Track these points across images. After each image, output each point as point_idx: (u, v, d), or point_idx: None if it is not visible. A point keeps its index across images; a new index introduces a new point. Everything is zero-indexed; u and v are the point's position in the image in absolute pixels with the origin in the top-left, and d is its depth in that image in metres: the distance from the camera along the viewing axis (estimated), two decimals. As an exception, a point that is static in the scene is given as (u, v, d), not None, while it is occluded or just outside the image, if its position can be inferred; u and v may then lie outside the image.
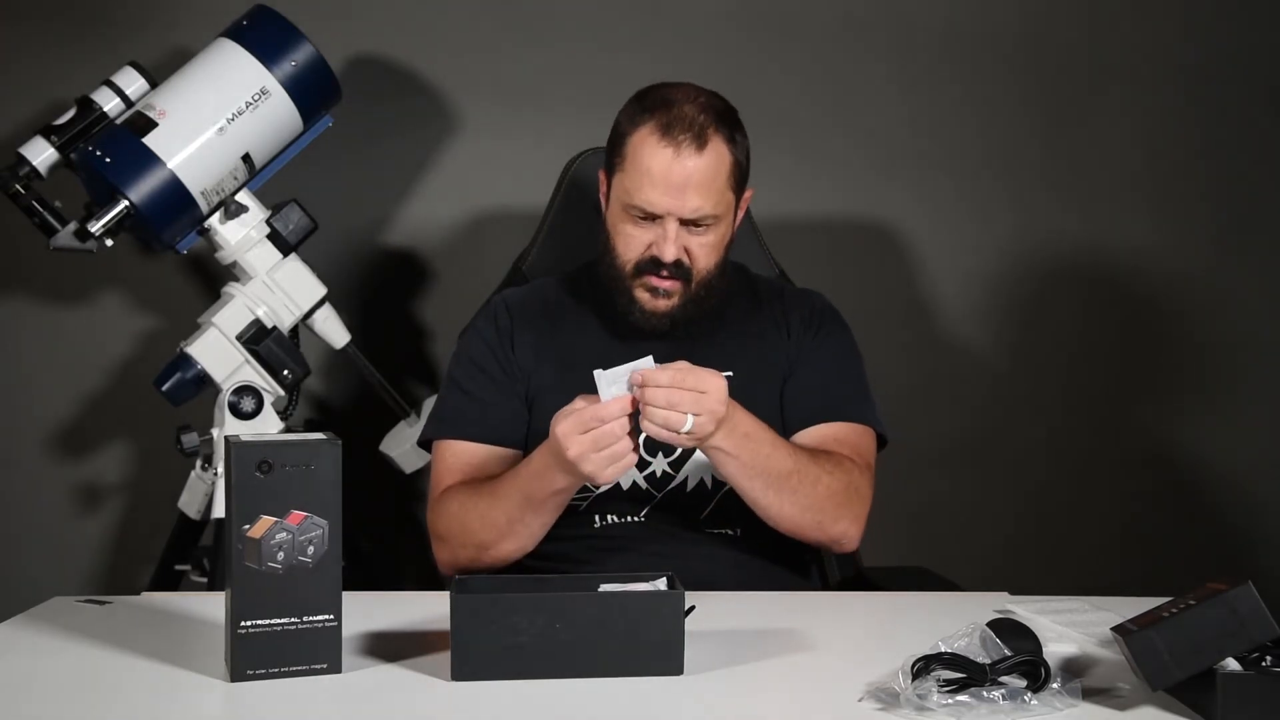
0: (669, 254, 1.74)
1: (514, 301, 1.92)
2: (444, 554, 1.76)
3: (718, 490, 1.78)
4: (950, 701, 1.20)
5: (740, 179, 1.79)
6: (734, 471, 1.66)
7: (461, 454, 1.81)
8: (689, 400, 1.51)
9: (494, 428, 1.81)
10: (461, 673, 1.29)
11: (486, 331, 1.88)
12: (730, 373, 1.81)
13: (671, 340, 1.82)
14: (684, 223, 1.74)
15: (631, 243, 1.77)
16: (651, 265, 1.76)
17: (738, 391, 1.80)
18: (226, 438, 1.30)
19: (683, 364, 1.54)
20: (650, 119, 1.73)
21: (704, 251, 1.77)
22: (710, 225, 1.75)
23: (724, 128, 1.74)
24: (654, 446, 1.77)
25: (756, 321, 1.89)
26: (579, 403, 1.54)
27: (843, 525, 1.73)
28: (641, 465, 1.78)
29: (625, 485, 1.78)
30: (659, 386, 1.50)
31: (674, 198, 1.72)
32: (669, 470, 1.78)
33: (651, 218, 1.74)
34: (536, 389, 1.83)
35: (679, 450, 1.78)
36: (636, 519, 1.79)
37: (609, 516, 1.80)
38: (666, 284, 1.76)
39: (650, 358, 1.54)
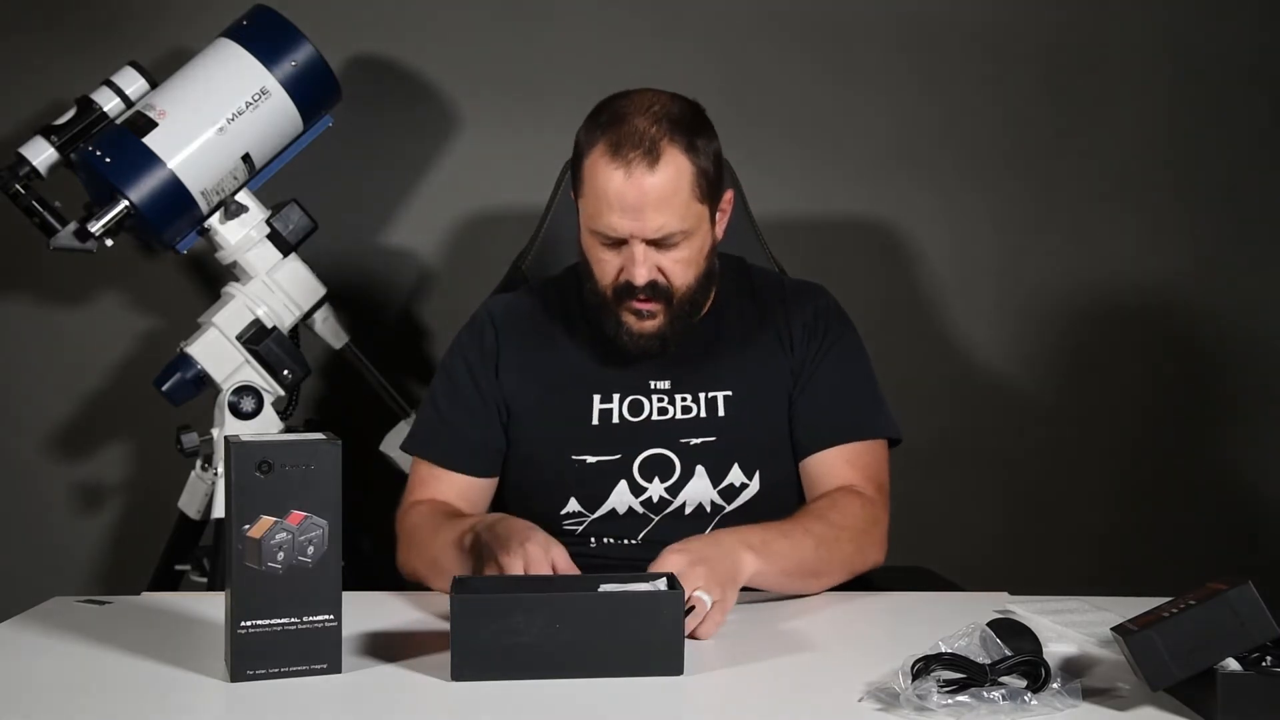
0: (640, 277, 1.67)
1: (500, 315, 1.86)
2: (402, 560, 1.75)
3: (716, 513, 1.76)
4: (950, 702, 1.20)
5: (710, 187, 1.69)
6: (776, 583, 1.61)
7: (432, 474, 1.81)
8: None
9: (464, 457, 1.80)
10: (461, 673, 1.29)
11: (470, 350, 1.84)
12: (729, 392, 1.79)
13: (665, 360, 1.78)
14: (651, 242, 1.66)
15: (605, 268, 1.71)
16: (628, 290, 1.69)
17: (735, 411, 1.78)
18: (226, 438, 1.30)
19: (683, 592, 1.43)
20: (601, 138, 1.65)
21: (679, 268, 1.69)
22: (680, 241, 1.67)
23: (681, 136, 1.65)
24: (650, 471, 1.75)
25: (755, 332, 1.83)
26: (556, 558, 1.49)
27: (869, 558, 1.71)
28: (637, 491, 1.75)
29: (621, 510, 1.75)
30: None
31: (633, 219, 1.64)
32: (666, 495, 1.75)
33: (617, 241, 1.68)
34: (521, 408, 1.80)
35: (676, 475, 1.75)
36: (633, 542, 1.76)
37: (605, 539, 1.77)
38: (647, 306, 1.70)
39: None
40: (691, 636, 1.41)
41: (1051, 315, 2.71)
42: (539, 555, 1.49)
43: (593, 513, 1.76)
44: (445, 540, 1.65)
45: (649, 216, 1.64)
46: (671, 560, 1.46)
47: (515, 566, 1.48)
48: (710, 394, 1.78)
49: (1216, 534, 2.72)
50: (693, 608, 1.41)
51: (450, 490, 1.80)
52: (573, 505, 1.76)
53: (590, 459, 1.76)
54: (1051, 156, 2.70)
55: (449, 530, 1.67)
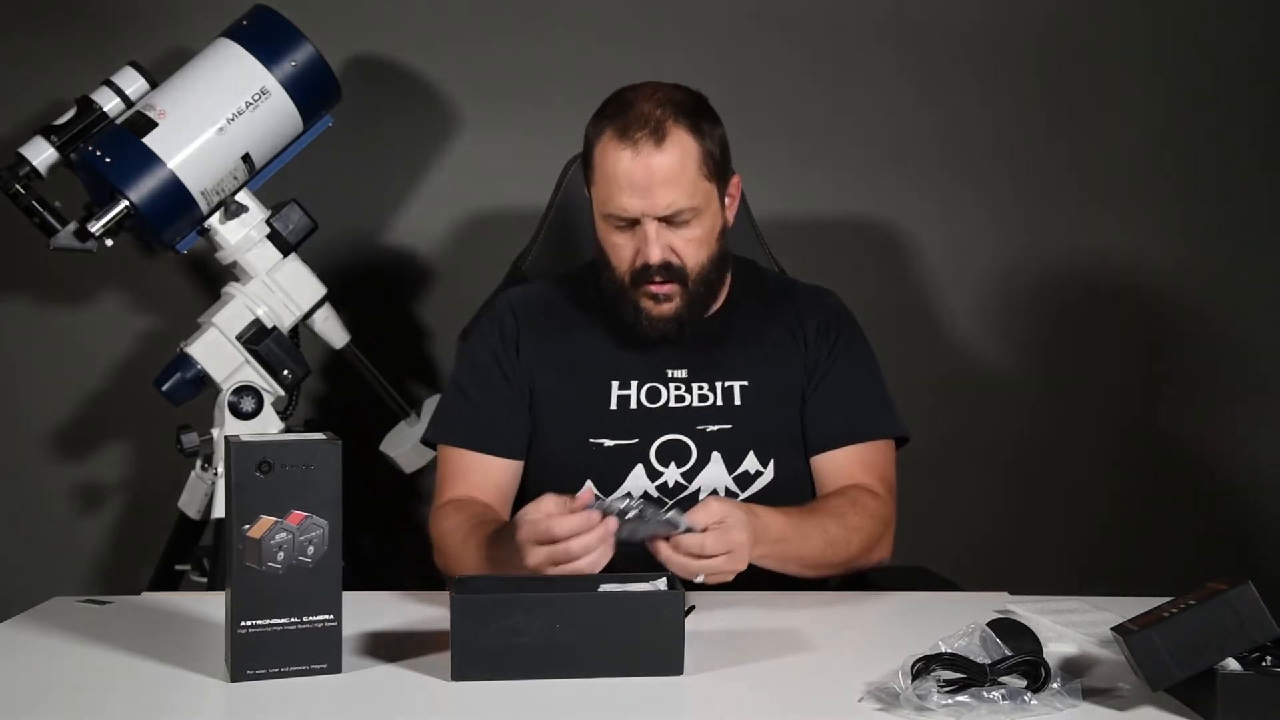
0: (654, 256, 1.71)
1: (519, 303, 1.89)
2: (439, 563, 1.76)
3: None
4: (950, 702, 1.20)
5: (717, 167, 1.74)
6: (773, 566, 1.64)
7: (461, 461, 1.81)
8: (701, 565, 1.47)
9: (494, 439, 1.81)
10: (461, 673, 1.29)
11: (491, 336, 1.86)
12: (745, 382, 1.82)
13: (681, 348, 1.80)
14: (663, 221, 1.71)
15: (620, 253, 1.75)
16: (645, 273, 1.73)
17: (751, 401, 1.80)
18: (226, 438, 1.31)
19: (705, 538, 1.47)
20: (609, 124, 1.71)
21: (691, 247, 1.73)
22: (691, 219, 1.71)
23: (685, 119, 1.70)
24: (667, 456, 1.77)
25: (769, 328, 1.86)
26: (546, 506, 1.48)
27: (876, 555, 1.76)
28: (653, 475, 1.77)
29: (636, 495, 1.76)
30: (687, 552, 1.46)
31: (643, 197, 1.69)
32: (682, 480, 1.77)
33: (630, 223, 1.72)
34: (540, 393, 1.83)
35: (693, 460, 1.77)
36: None
37: None
38: (664, 288, 1.73)
39: (680, 517, 1.47)
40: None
41: (1049, 315, 2.71)
42: (533, 534, 1.46)
43: (608, 496, 1.76)
44: (471, 556, 1.65)
45: (658, 194, 1.69)
46: (727, 512, 1.49)
47: (534, 561, 1.47)
48: (727, 383, 1.81)
49: (1216, 534, 2.72)
50: (689, 610, 1.41)
51: (482, 479, 1.80)
52: (588, 488, 1.77)
53: (608, 442, 1.78)
54: (1048, 156, 2.69)
55: (473, 540, 1.67)
